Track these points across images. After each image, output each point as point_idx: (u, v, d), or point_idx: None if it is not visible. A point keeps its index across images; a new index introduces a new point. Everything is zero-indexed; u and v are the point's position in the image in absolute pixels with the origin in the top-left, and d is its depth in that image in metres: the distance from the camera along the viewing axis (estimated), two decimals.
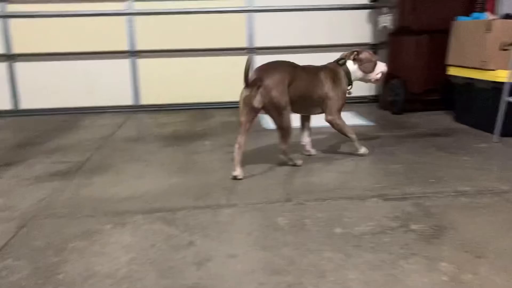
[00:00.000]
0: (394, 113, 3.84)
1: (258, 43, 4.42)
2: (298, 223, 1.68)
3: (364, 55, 2.52)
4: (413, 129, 3.24)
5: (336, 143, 2.88)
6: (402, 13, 3.65)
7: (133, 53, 4.35)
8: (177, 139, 3.13)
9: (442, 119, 3.53)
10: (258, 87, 2.20)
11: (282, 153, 2.39)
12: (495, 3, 3.63)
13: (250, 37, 4.41)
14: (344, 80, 2.49)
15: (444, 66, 3.44)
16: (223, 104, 4.45)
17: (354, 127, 3.29)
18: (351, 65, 2.51)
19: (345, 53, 2.55)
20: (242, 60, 4.34)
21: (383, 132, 3.19)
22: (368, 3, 4.32)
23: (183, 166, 2.47)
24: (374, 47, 4.40)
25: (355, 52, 2.51)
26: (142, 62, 4.39)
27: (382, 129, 3.31)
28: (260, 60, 4.36)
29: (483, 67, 2.99)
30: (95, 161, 2.61)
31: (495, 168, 2.30)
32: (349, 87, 2.53)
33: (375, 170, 2.35)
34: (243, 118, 2.27)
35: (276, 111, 2.24)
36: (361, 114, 3.87)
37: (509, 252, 1.43)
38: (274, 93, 2.20)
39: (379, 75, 2.55)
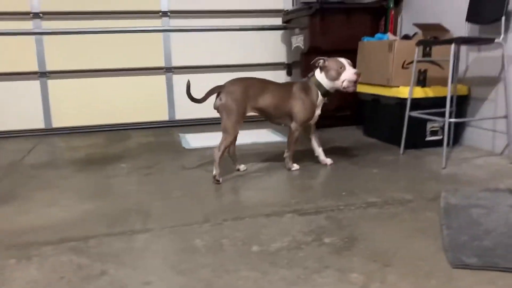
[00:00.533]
0: None
1: (175, 63, 4.40)
2: (216, 244, 1.67)
3: (328, 62, 2.51)
4: (327, 144, 3.38)
5: (254, 160, 2.92)
6: (313, 35, 3.82)
7: (43, 74, 4.14)
8: (91, 162, 3.01)
9: (354, 134, 3.73)
10: (219, 93, 2.50)
11: (214, 157, 2.47)
12: (396, 24, 3.92)
13: (167, 56, 4.38)
14: (314, 92, 2.56)
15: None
16: (141, 125, 4.38)
17: (272, 144, 3.41)
18: (318, 75, 2.55)
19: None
20: (159, 79, 4.37)
21: (299, 148, 3.28)
22: (281, 24, 4.47)
23: (97, 191, 2.37)
24: (288, 67, 4.56)
25: (320, 60, 2.52)
26: (53, 83, 4.19)
27: (298, 144, 3.41)
28: (178, 79, 4.40)
29: (387, 84, 3.20)
30: (1, 190, 2.43)
31: (400, 179, 2.46)
32: (321, 98, 2.57)
33: (292, 185, 2.41)
34: None
35: (225, 113, 2.47)
36: (278, 130, 3.97)
37: (414, 258, 1.53)
38: (228, 97, 2.46)
39: (345, 83, 2.48)
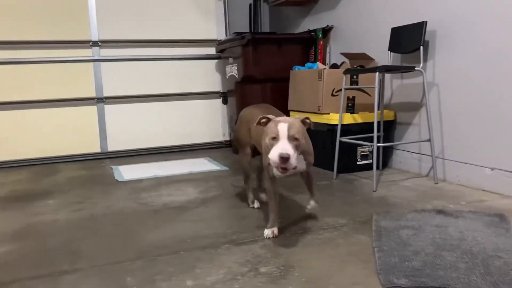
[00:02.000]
0: None
1: (107, 93, 4.29)
2: (148, 281, 1.60)
3: (270, 123, 1.79)
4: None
5: (190, 191, 2.87)
6: (246, 64, 3.88)
7: None
8: (15, 200, 2.82)
9: None
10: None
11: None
12: (325, 54, 4.07)
13: (99, 86, 4.26)
14: None
15: (287, 111, 3.72)
16: (71, 157, 4.20)
17: (209, 173, 3.38)
18: None
19: None
20: (90, 110, 4.24)
21: (236, 176, 3.28)
22: (215, 53, 4.52)
23: (21, 231, 2.22)
24: (224, 95, 4.59)
25: (263, 120, 1.82)
26: None
27: (235, 173, 3.41)
28: (110, 109, 4.28)
29: (318, 111, 3.30)
30: None
31: (334, 204, 2.51)
32: None
33: (228, 215, 2.39)
34: None
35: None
36: (215, 159, 3.96)
37: (348, 283, 1.54)
38: (237, 123, 2.40)
39: (271, 161, 1.71)
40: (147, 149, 4.38)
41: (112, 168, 3.74)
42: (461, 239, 1.87)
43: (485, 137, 2.66)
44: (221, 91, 4.65)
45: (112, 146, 4.33)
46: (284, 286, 1.53)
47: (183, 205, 2.58)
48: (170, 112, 4.53)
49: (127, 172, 3.54)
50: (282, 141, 1.69)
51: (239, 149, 2.35)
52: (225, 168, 3.60)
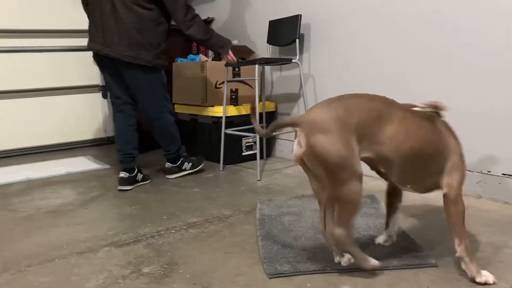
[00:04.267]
0: None
1: None
2: None
3: None
4: (148, 167, 3.29)
5: (67, 193, 2.68)
6: None
7: None
8: None
9: None
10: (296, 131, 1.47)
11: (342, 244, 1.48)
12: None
13: None
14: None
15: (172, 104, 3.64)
16: None
17: (89, 172, 3.17)
18: None
19: None
20: None
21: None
22: None
23: None
24: (103, 89, 4.36)
25: None
26: None
27: (118, 171, 3.26)
28: None
29: (202, 104, 3.27)
30: None
31: (220, 195, 2.51)
32: None
33: (109, 216, 2.27)
34: None
35: (321, 167, 1.43)
36: (96, 157, 3.75)
37: (232, 275, 1.55)
38: (317, 137, 1.36)
39: None
40: (18, 149, 4.00)
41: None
42: None
43: None
44: (100, 84, 4.40)
45: None
46: (168, 284, 1.49)
47: (58, 208, 2.40)
48: (44, 108, 4.18)
49: None
50: None
51: (346, 174, 1.34)
52: (107, 166, 3.42)
